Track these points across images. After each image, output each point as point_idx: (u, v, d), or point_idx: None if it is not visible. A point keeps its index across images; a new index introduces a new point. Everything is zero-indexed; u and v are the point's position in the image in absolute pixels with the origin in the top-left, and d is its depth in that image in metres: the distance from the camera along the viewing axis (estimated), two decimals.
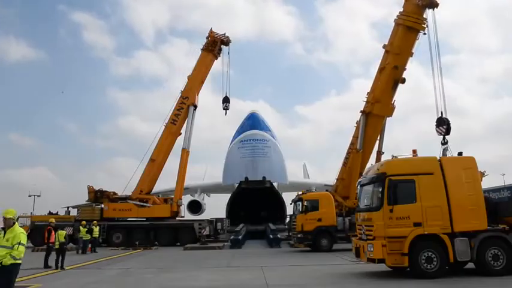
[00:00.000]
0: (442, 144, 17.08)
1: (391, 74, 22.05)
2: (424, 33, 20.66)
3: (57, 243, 15.63)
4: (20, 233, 6.37)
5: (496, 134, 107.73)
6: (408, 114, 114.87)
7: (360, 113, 23.76)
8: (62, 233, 16.16)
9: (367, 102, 23.38)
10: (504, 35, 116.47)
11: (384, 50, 22.64)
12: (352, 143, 24.67)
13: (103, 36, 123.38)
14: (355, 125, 24.67)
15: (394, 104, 23.35)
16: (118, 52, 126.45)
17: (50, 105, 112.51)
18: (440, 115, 18.05)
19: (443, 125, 17.76)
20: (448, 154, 15.45)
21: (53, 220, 17.50)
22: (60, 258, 15.26)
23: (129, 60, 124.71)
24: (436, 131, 17.98)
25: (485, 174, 15.30)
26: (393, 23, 21.97)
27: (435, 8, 19.85)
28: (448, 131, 17.53)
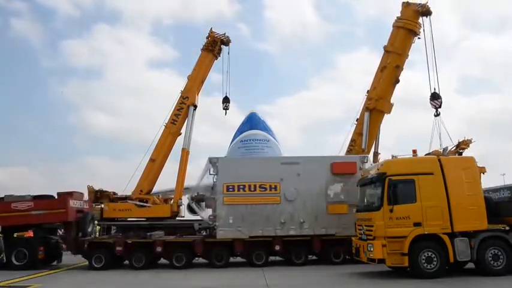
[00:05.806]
0: (435, 116, 20.15)
1: (393, 73, 22.99)
2: (419, 38, 22.32)
3: None
4: None
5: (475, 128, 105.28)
6: None
7: (364, 110, 23.96)
8: None
9: (369, 99, 23.63)
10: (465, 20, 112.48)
11: (384, 50, 23.19)
12: (353, 140, 24.77)
13: (25, 24, 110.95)
14: (355, 123, 24.79)
15: (392, 102, 23.89)
16: (44, 41, 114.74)
17: None
18: (433, 90, 20.67)
19: (437, 98, 20.47)
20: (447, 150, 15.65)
21: None
22: None
23: (57, 51, 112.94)
24: (431, 104, 20.64)
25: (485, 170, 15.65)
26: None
27: (429, 16, 22.07)
28: (440, 104, 20.45)
